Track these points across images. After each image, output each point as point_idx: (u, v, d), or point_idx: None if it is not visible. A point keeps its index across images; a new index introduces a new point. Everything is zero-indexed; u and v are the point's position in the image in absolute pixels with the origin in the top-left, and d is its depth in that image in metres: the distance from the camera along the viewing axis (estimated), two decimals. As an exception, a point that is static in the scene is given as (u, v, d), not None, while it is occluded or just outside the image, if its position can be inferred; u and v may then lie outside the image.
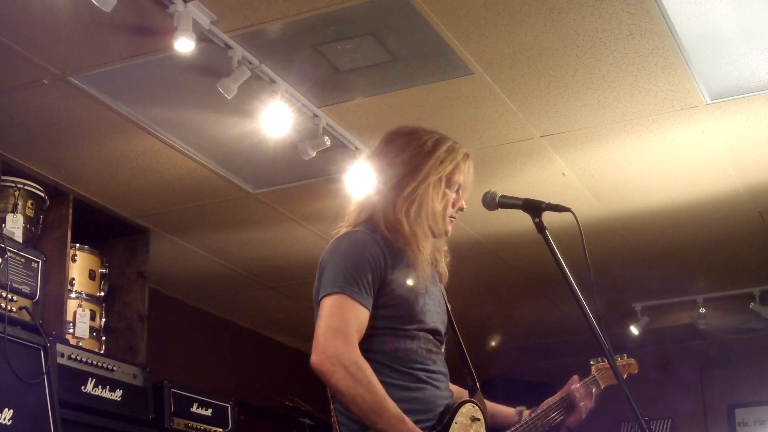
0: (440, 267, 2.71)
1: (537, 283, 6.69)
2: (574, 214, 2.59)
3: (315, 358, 2.35)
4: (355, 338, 2.39)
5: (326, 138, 4.49)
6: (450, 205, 2.67)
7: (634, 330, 7.28)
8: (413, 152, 2.64)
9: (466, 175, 2.71)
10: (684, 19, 3.85)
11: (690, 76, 4.25)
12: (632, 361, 3.23)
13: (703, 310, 7.16)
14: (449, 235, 2.70)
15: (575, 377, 2.89)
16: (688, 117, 4.60)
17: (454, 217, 2.70)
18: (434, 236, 2.64)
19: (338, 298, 2.42)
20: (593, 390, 2.92)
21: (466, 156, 2.71)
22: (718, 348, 8.32)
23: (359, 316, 2.42)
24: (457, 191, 2.69)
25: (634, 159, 5.02)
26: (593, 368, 3.05)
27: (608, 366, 3.00)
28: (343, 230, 2.64)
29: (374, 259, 2.49)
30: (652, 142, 4.84)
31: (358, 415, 2.37)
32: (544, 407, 2.78)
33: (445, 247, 2.74)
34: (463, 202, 2.71)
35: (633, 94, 4.39)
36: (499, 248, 6.16)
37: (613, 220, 5.78)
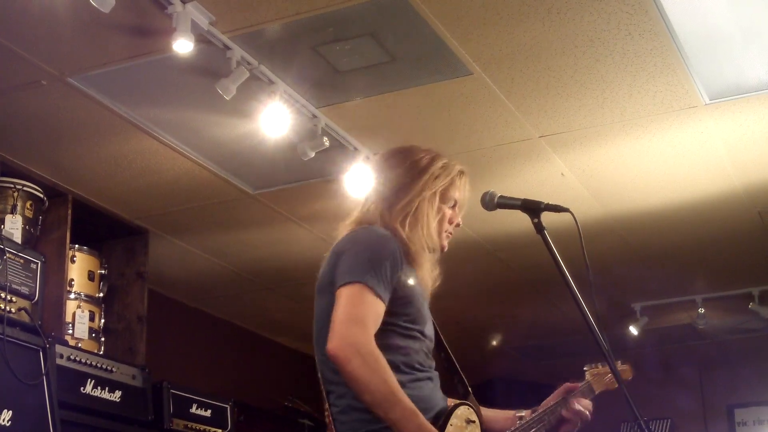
0: (428, 287, 2.71)
1: (536, 283, 6.69)
2: (572, 214, 2.59)
3: (333, 345, 2.35)
4: (373, 329, 2.40)
5: (325, 138, 4.49)
6: (446, 220, 2.69)
7: (634, 330, 7.28)
8: (409, 167, 2.67)
9: (461, 191, 2.72)
10: (683, 19, 3.85)
11: (689, 76, 4.25)
12: (626, 367, 3.21)
13: (702, 310, 7.16)
14: (444, 250, 2.71)
15: (567, 385, 2.88)
16: (686, 117, 4.60)
17: (451, 233, 2.71)
18: (429, 251, 2.65)
19: (359, 287, 2.42)
20: (588, 400, 2.91)
21: (462, 173, 2.73)
22: (717, 348, 8.32)
23: (377, 308, 2.43)
24: (453, 207, 2.70)
25: (633, 159, 5.02)
26: (587, 374, 3.04)
27: (602, 372, 3.03)
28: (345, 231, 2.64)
29: (393, 254, 2.50)
30: (650, 142, 4.84)
31: (371, 405, 2.36)
32: (541, 411, 2.78)
33: (436, 271, 2.72)
34: (460, 219, 2.72)
35: (632, 94, 4.39)
36: (498, 249, 6.16)
37: (612, 221, 5.78)
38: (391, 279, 2.47)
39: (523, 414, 2.80)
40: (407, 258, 2.56)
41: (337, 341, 2.35)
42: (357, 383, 2.35)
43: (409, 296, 2.52)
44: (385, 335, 2.47)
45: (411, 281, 2.53)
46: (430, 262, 2.66)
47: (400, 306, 2.50)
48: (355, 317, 2.38)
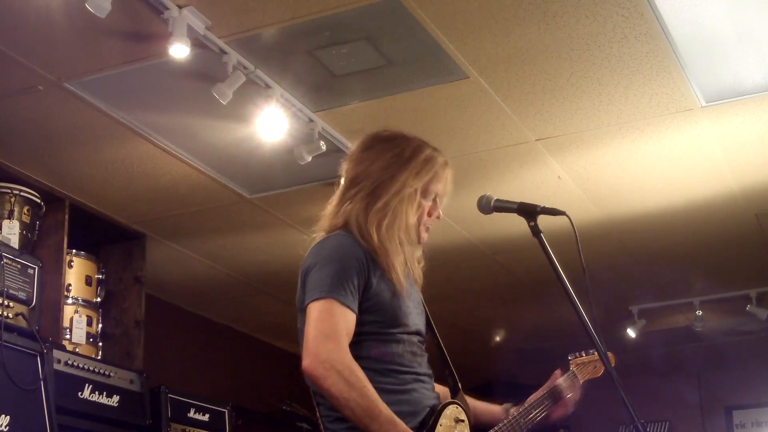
0: (415, 273, 2.68)
1: (534, 286, 6.70)
2: (569, 217, 2.59)
3: (307, 363, 2.34)
4: (346, 342, 2.39)
5: (322, 143, 4.50)
6: (425, 214, 2.63)
7: (631, 333, 7.28)
8: (390, 161, 2.60)
9: (444, 184, 2.67)
10: (678, 22, 3.86)
11: (685, 79, 4.25)
12: (610, 354, 3.22)
13: (699, 313, 7.17)
14: (423, 242, 2.67)
15: (558, 372, 2.91)
16: (683, 120, 4.61)
17: (430, 226, 2.66)
18: (407, 244, 2.61)
19: (326, 302, 2.40)
20: (578, 384, 2.95)
21: (445, 164, 2.67)
22: (715, 350, 8.33)
23: (348, 320, 2.42)
24: (434, 200, 2.66)
25: (630, 162, 5.03)
26: (572, 363, 3.07)
27: (586, 361, 3.07)
28: (321, 235, 2.61)
29: (358, 261, 2.48)
30: (647, 145, 4.85)
31: (351, 419, 2.36)
32: (528, 404, 2.79)
33: (419, 253, 2.70)
34: (440, 211, 2.68)
35: (628, 97, 4.39)
36: (496, 252, 6.16)
37: (609, 223, 5.78)
38: (358, 287, 2.45)
39: (510, 408, 2.81)
40: (377, 261, 2.51)
41: (311, 359, 2.34)
42: (335, 399, 2.34)
43: (380, 302, 2.49)
44: (362, 345, 2.46)
45: (382, 285, 2.50)
46: (408, 253, 2.62)
47: (372, 313, 2.48)
48: (327, 332, 2.36)
